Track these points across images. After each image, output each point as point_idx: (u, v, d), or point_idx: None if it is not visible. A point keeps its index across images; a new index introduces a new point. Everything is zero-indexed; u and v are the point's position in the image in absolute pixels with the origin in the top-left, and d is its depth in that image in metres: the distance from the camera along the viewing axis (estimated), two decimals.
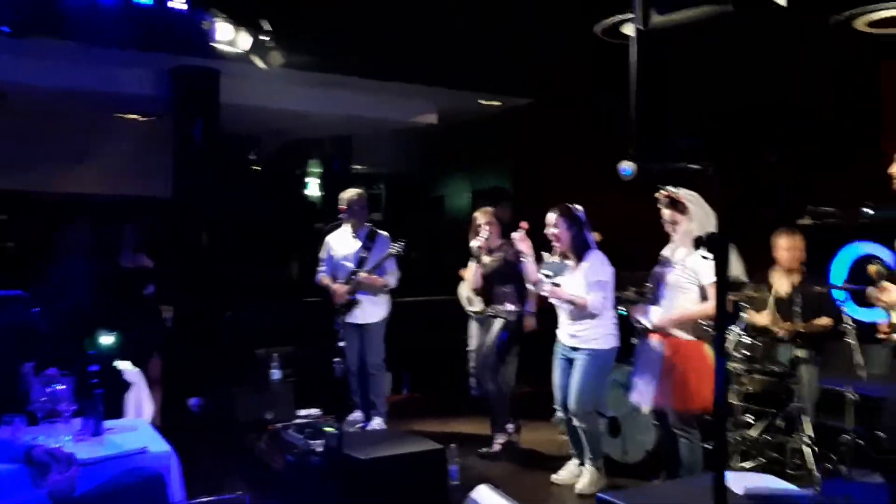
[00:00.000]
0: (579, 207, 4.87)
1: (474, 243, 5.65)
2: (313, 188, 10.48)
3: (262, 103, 7.56)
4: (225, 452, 5.54)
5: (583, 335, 4.76)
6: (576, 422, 4.80)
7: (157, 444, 3.32)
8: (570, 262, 4.85)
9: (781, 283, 5.42)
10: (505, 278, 5.59)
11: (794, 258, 5.33)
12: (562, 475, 5.00)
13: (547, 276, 4.85)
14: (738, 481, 2.73)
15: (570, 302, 4.73)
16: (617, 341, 4.84)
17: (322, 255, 6.16)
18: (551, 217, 4.83)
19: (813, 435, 4.85)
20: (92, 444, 3.30)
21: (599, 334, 4.75)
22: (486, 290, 5.69)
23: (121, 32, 5.83)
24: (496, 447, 5.60)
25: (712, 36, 2.48)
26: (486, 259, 5.64)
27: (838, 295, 5.13)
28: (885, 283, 3.51)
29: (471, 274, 5.72)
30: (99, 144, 8.26)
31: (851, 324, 4.99)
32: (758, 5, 2.42)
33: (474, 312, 5.98)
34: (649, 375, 4.34)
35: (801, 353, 5.13)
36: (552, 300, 4.88)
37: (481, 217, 5.69)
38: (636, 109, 2.62)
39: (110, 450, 3.21)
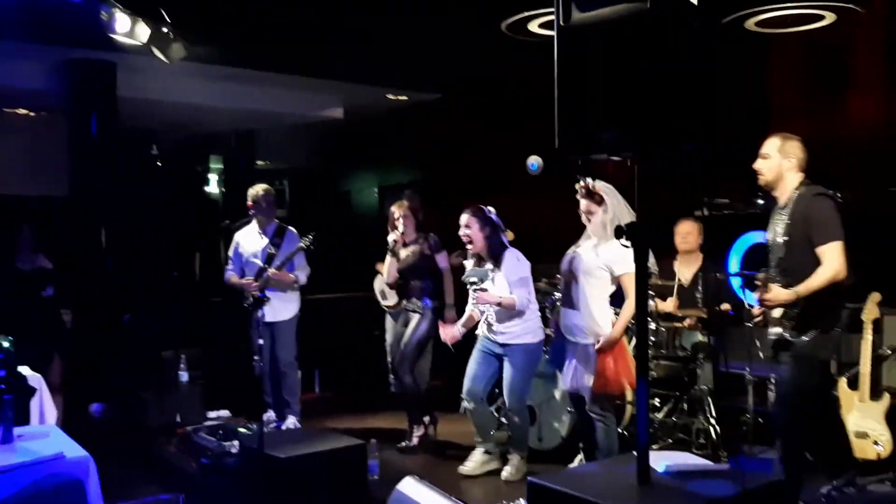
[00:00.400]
0: (491, 209, 4.94)
1: (391, 237, 5.66)
2: (215, 185, 10.23)
3: (161, 97, 7.30)
4: (133, 457, 5.36)
5: (513, 331, 4.84)
6: (510, 416, 4.90)
7: (73, 450, 3.19)
8: (488, 265, 4.92)
9: (683, 272, 5.68)
10: (421, 272, 5.62)
11: (690, 243, 5.62)
12: (469, 466, 5.05)
13: (473, 283, 4.91)
14: (658, 459, 2.84)
15: (499, 304, 4.81)
16: (543, 332, 4.96)
17: (230, 252, 6.03)
18: (464, 218, 4.90)
19: (715, 415, 5.11)
20: (3, 451, 3.14)
21: (529, 329, 4.86)
22: (402, 285, 5.71)
23: (11, 23, 5.54)
24: (414, 440, 5.63)
25: (630, 32, 2.58)
26: (402, 253, 5.66)
27: (735, 282, 5.42)
28: (770, 285, 3.73)
29: (386, 268, 5.73)
30: None
31: (749, 309, 5.27)
32: (674, 3, 2.54)
33: (388, 307, 5.99)
34: (576, 362, 4.45)
35: (703, 338, 5.38)
36: (480, 306, 4.94)
37: (398, 210, 5.70)
38: (558, 102, 2.71)
39: (24, 456, 3.07)
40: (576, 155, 2.85)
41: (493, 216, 4.93)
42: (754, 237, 6.21)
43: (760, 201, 6.43)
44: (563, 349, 4.59)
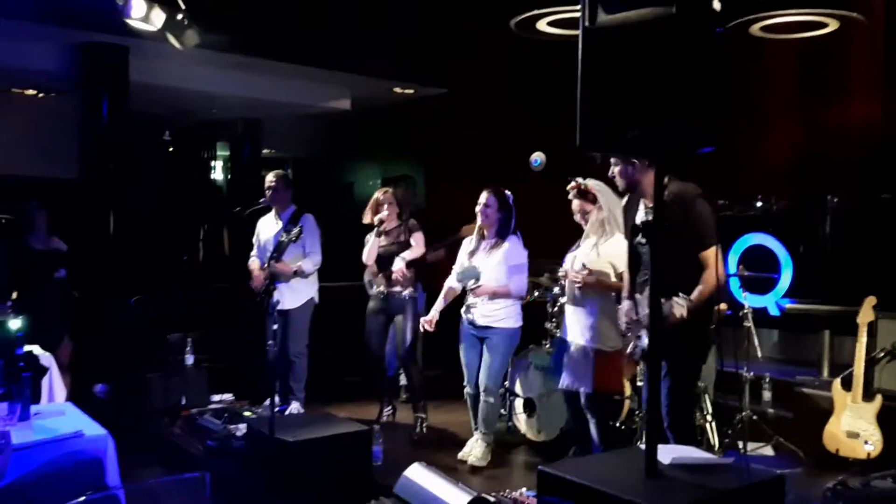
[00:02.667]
0: (510, 193, 5.02)
1: (378, 217, 5.75)
2: (222, 171, 10.27)
3: (172, 83, 7.38)
4: (137, 439, 5.42)
5: (495, 314, 4.93)
6: (484, 397, 4.96)
7: (92, 428, 3.25)
8: (483, 244, 5.00)
9: None
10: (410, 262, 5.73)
11: None
12: (465, 451, 5.13)
13: (467, 283, 4.98)
14: (665, 452, 2.92)
15: (494, 294, 4.89)
16: (521, 320, 5.04)
17: (254, 239, 6.10)
18: (484, 195, 4.97)
19: (712, 412, 5.21)
20: (21, 428, 3.20)
21: (511, 313, 4.95)
22: (383, 271, 5.80)
23: (27, 4, 5.58)
24: (418, 430, 5.69)
25: (655, 36, 2.65)
26: (382, 240, 5.76)
27: (732, 282, 5.52)
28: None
29: (367, 249, 5.80)
30: None
31: (748, 310, 5.37)
32: (699, 8, 2.61)
33: (381, 294, 6.09)
34: (575, 361, 4.52)
35: None
36: (477, 297, 5.01)
37: (381, 196, 5.82)
38: (580, 100, 2.78)
39: (44, 434, 3.13)
40: (596, 152, 2.91)
41: (511, 201, 5.01)
42: (752, 238, 6.31)
43: (759, 203, 6.57)
44: (563, 347, 4.66)
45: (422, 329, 5.33)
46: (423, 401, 5.80)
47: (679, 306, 3.53)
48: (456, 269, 5.13)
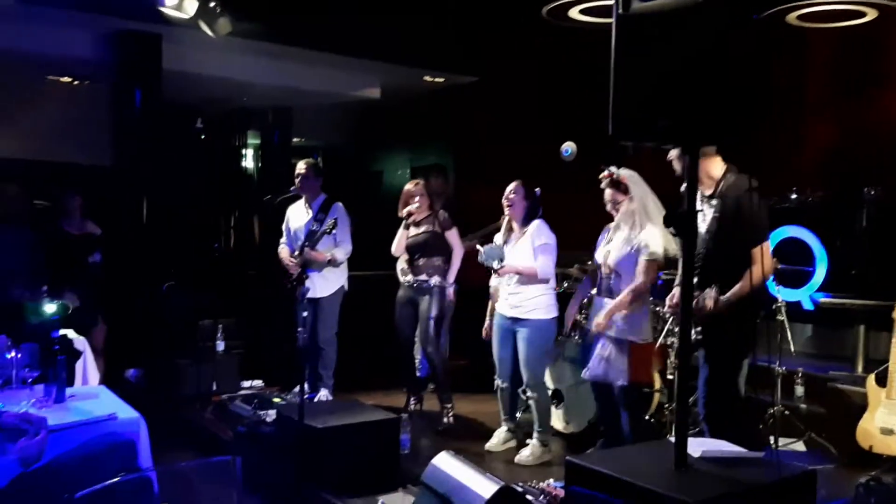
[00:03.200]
0: (538, 190, 5.00)
1: (405, 210, 5.76)
2: (253, 159, 10.33)
3: (203, 71, 7.42)
4: (168, 423, 5.49)
5: (524, 305, 4.88)
6: (528, 393, 4.92)
7: (125, 411, 3.30)
8: (512, 235, 4.98)
9: None
10: (432, 251, 5.71)
11: None
12: (493, 442, 5.14)
13: (491, 265, 4.94)
14: (695, 445, 2.90)
15: (518, 272, 4.86)
16: (556, 311, 4.98)
17: (283, 227, 6.13)
18: (512, 186, 4.95)
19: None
20: (56, 410, 3.26)
21: (541, 304, 4.88)
22: (412, 261, 5.80)
23: None
24: (451, 419, 5.68)
25: (688, 23, 2.62)
26: (413, 230, 5.75)
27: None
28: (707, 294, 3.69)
29: (397, 241, 5.81)
30: (30, 107, 7.94)
31: (782, 303, 5.29)
32: None
33: (408, 283, 6.10)
34: (608, 353, 4.50)
35: None
36: (502, 279, 4.99)
37: (412, 187, 5.81)
38: (613, 89, 2.75)
39: (79, 416, 3.19)
40: (628, 141, 2.88)
41: (538, 194, 4.99)
42: (786, 231, 6.23)
43: (794, 195, 6.47)
44: (593, 339, 4.64)
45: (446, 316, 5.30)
46: (449, 392, 5.77)
47: (710, 298, 3.52)
48: (481, 250, 5.07)
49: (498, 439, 5.14)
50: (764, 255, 3.60)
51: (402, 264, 6.03)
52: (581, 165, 5.59)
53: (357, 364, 7.38)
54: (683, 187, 3.92)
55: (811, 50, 6.53)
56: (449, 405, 5.73)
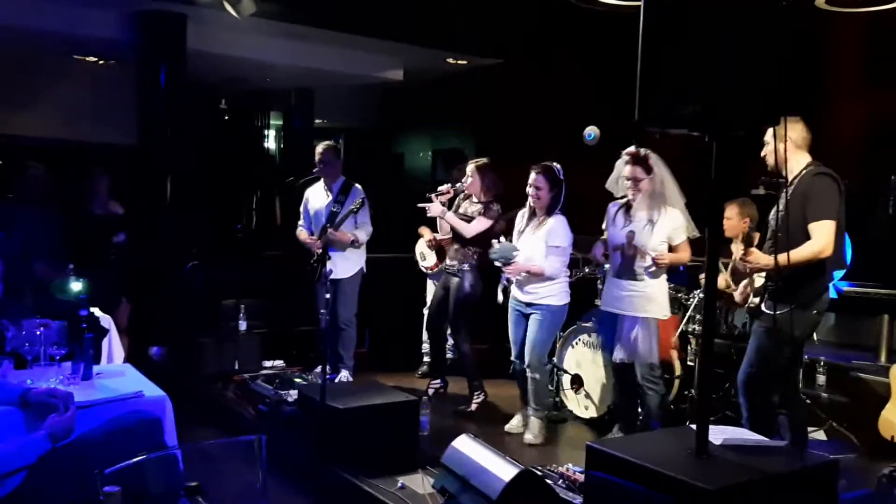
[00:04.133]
0: (557, 165, 4.95)
1: (447, 186, 5.74)
2: (275, 140, 10.38)
3: (227, 51, 7.44)
4: (190, 401, 5.55)
5: (538, 292, 4.89)
6: (529, 373, 4.94)
7: (151, 389, 3.35)
8: (533, 220, 4.95)
9: (736, 249, 5.64)
10: (471, 240, 5.65)
11: (733, 227, 5.47)
12: (512, 424, 5.18)
13: (499, 262, 4.94)
14: (715, 433, 2.90)
15: (527, 272, 4.86)
16: (568, 298, 4.98)
17: (301, 208, 6.15)
18: (534, 177, 4.89)
19: None
20: (83, 387, 3.31)
21: (554, 291, 4.89)
22: (452, 245, 5.76)
23: None
24: (473, 406, 5.66)
25: (718, 8, 2.59)
26: (464, 208, 5.70)
27: None
28: (751, 249, 3.83)
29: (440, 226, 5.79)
30: (56, 87, 8.02)
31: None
32: None
33: (426, 268, 6.10)
34: (630, 334, 4.52)
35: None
36: (511, 275, 4.99)
37: (475, 168, 5.63)
38: (641, 74, 2.73)
39: (106, 393, 3.24)
40: (654, 127, 2.86)
41: (561, 175, 4.93)
42: None
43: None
44: (611, 321, 4.65)
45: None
46: (480, 378, 5.74)
47: (749, 253, 3.80)
48: (494, 246, 5.03)
49: (517, 421, 5.17)
50: (825, 232, 3.70)
51: (420, 247, 6.03)
52: (605, 149, 5.56)
53: (378, 345, 7.45)
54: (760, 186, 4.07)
55: (839, 35, 6.42)
56: (479, 392, 5.71)
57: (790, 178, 3.91)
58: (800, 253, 3.69)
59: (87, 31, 6.91)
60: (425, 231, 6.53)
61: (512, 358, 5.15)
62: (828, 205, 3.77)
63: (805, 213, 3.76)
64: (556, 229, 4.86)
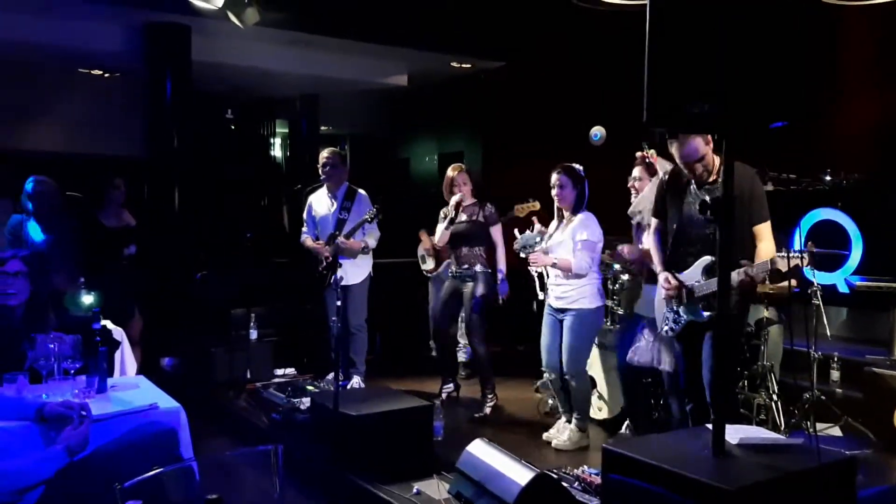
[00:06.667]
0: (578, 166, 4.92)
1: (454, 199, 5.73)
2: (281, 148, 10.40)
3: (232, 61, 7.47)
4: (203, 411, 5.56)
5: (569, 296, 4.84)
6: (570, 381, 4.88)
7: (166, 401, 3.35)
8: (562, 222, 4.93)
9: None
10: (476, 240, 5.71)
11: None
12: (551, 432, 5.06)
13: (523, 250, 4.93)
14: (731, 432, 2.88)
15: (553, 265, 4.84)
16: (602, 300, 4.94)
17: (304, 215, 6.16)
18: (556, 177, 4.85)
19: (778, 391, 5.11)
20: (99, 400, 3.31)
21: (585, 294, 4.82)
22: (455, 250, 5.79)
23: None
24: (487, 410, 5.66)
25: (724, 4, 2.58)
26: (458, 218, 5.74)
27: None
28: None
29: (439, 232, 5.81)
30: (62, 101, 8.05)
31: (817, 287, 5.23)
32: None
33: (427, 271, 6.11)
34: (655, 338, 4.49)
35: (768, 314, 5.36)
36: (537, 268, 4.97)
37: (457, 175, 5.76)
38: (647, 75, 2.71)
39: (120, 406, 3.24)
40: (661, 127, 2.85)
41: (582, 173, 4.90)
42: (821, 213, 6.15)
43: (828, 177, 6.38)
44: (635, 325, 4.62)
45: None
46: (493, 381, 5.73)
47: (783, 260, 3.56)
48: (517, 238, 5.01)
49: (556, 430, 5.04)
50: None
51: (421, 250, 6.05)
52: (611, 150, 5.55)
53: (389, 351, 7.45)
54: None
55: (847, 29, 6.40)
56: (491, 395, 5.72)
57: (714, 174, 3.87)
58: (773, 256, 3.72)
59: (92, 44, 6.96)
60: (424, 236, 6.61)
61: (543, 367, 5.09)
62: (766, 206, 3.79)
63: (749, 213, 3.75)
64: (584, 224, 4.81)
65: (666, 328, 3.98)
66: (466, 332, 5.85)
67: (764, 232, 3.74)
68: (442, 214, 5.83)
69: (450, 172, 5.85)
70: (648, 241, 4.22)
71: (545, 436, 5.08)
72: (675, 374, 4.28)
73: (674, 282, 3.87)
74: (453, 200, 5.72)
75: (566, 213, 4.90)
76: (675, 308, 3.90)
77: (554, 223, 5.02)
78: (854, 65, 6.48)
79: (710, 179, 3.80)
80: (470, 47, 7.91)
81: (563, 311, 4.87)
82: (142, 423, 3.11)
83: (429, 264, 6.42)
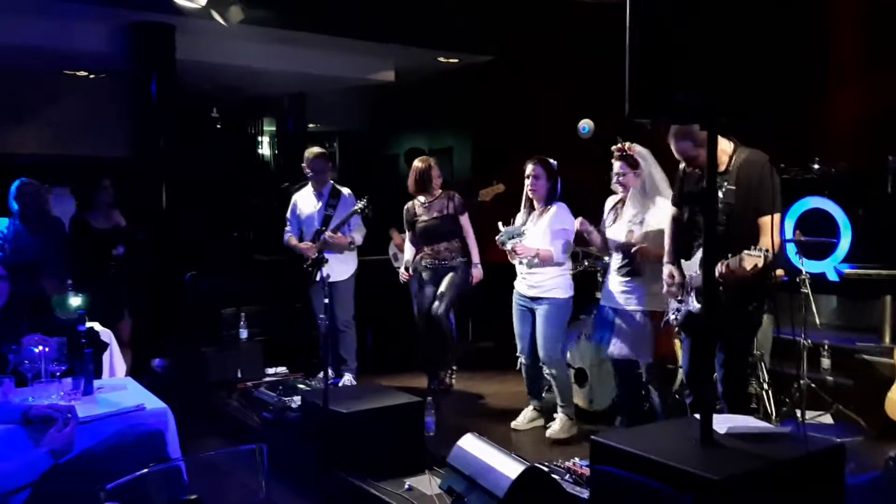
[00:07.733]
0: (553, 161, 4.97)
1: (421, 198, 5.85)
2: (269, 146, 10.36)
3: (217, 60, 7.43)
4: (194, 412, 5.54)
5: (543, 285, 4.87)
6: (546, 370, 4.94)
7: (152, 402, 3.34)
8: (532, 214, 4.95)
9: None
10: (450, 234, 5.80)
11: None
12: (519, 421, 5.16)
13: (503, 242, 4.93)
14: (720, 421, 2.88)
15: (536, 255, 4.84)
16: (573, 290, 4.97)
17: (288, 214, 6.14)
18: (531, 168, 4.90)
19: (769, 380, 5.12)
20: (85, 402, 3.30)
21: (559, 284, 4.87)
22: (431, 246, 5.86)
23: None
24: (450, 381, 5.91)
25: None
26: (424, 214, 5.85)
27: (789, 248, 5.37)
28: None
29: (409, 250, 5.99)
30: (47, 102, 8.00)
31: (806, 276, 5.24)
32: None
33: (399, 268, 6.14)
34: (631, 330, 4.49)
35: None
36: (518, 258, 4.97)
37: (425, 166, 5.86)
38: (629, 66, 2.68)
39: (107, 407, 3.22)
40: (645, 118, 2.83)
41: (555, 167, 4.96)
42: (809, 202, 6.15)
43: (816, 166, 6.38)
44: (610, 317, 4.63)
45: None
46: (454, 354, 5.96)
47: (752, 257, 3.41)
48: (501, 230, 5.03)
49: (524, 418, 5.16)
50: (774, 227, 3.57)
51: (393, 249, 6.08)
52: (599, 143, 5.54)
53: (377, 347, 7.43)
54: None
55: (836, 16, 6.40)
56: (454, 367, 5.94)
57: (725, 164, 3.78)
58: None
59: (77, 45, 6.91)
60: (394, 234, 6.63)
61: (518, 353, 5.15)
62: (775, 197, 3.62)
63: (753, 205, 3.67)
64: (559, 214, 4.87)
65: (672, 317, 4.00)
66: (437, 311, 5.87)
67: (765, 226, 3.60)
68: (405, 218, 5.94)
69: (420, 164, 5.87)
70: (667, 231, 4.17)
71: (512, 424, 5.13)
72: (656, 364, 4.37)
73: (677, 278, 3.86)
74: (421, 197, 5.84)
75: (537, 205, 4.94)
76: (679, 297, 3.92)
77: (521, 214, 5.05)
78: (843, 54, 6.48)
79: (721, 170, 3.76)
80: (456, 42, 7.89)
81: (536, 299, 4.91)
82: (128, 425, 3.10)
83: (401, 262, 6.41)
